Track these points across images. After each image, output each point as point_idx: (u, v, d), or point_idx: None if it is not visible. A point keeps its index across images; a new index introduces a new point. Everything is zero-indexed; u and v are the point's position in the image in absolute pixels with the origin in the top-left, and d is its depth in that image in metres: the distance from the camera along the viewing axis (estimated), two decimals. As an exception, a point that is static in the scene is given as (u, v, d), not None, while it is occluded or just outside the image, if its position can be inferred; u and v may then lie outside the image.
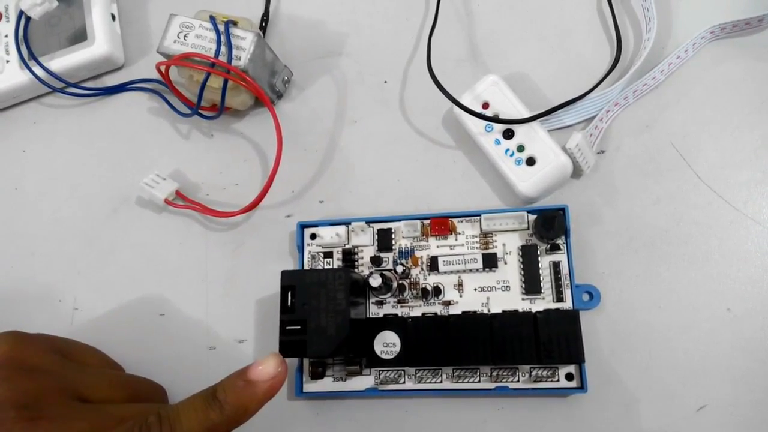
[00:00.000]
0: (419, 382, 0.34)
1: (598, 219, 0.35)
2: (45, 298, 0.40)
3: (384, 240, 0.36)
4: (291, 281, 0.32)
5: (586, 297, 0.34)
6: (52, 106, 0.45)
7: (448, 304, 0.35)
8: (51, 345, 0.33)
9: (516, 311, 0.34)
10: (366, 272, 0.36)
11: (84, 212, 0.42)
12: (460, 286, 0.35)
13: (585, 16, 0.39)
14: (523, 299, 0.34)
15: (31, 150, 0.44)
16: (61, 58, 0.43)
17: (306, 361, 0.35)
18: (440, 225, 0.35)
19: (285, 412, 0.35)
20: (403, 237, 0.36)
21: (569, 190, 0.36)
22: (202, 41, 0.37)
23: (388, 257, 0.36)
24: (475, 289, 0.35)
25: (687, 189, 0.35)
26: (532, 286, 0.34)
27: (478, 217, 0.35)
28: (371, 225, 0.37)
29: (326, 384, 0.35)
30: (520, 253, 0.34)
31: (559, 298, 0.34)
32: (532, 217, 0.34)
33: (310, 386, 0.35)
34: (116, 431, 0.29)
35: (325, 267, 0.37)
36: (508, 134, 0.36)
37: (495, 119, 0.35)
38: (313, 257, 0.37)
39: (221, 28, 0.37)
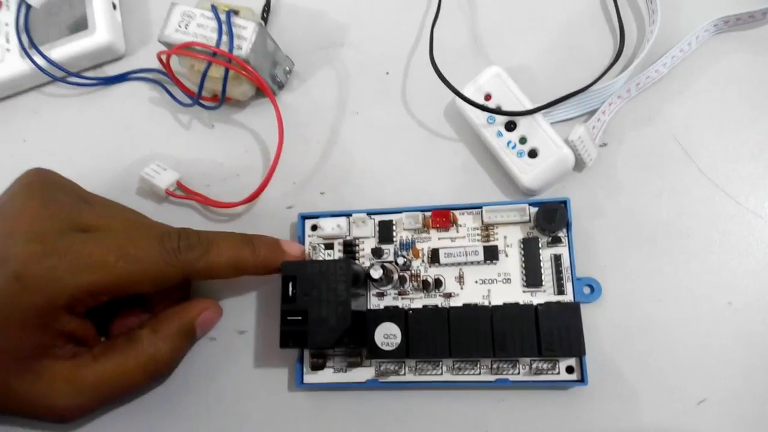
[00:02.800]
0: (420, 374, 0.34)
1: (599, 212, 0.35)
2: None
3: (385, 232, 0.36)
4: (292, 272, 0.32)
5: (587, 290, 0.34)
6: (52, 95, 0.45)
7: (448, 296, 0.35)
8: (74, 190, 0.36)
9: (517, 304, 0.34)
10: (367, 264, 0.36)
11: (84, 202, 0.42)
12: (461, 279, 0.35)
13: (588, 8, 0.39)
14: (524, 292, 0.34)
15: (31, 139, 0.44)
16: (62, 47, 0.42)
17: (306, 352, 0.35)
18: (441, 217, 0.35)
19: (285, 403, 0.36)
20: (404, 229, 0.36)
21: (571, 182, 0.36)
22: (204, 30, 0.37)
23: (389, 249, 0.36)
24: (476, 282, 0.35)
25: (689, 182, 0.35)
26: (533, 279, 0.34)
27: (480, 210, 0.35)
28: (372, 216, 0.37)
29: (327, 375, 0.35)
30: (522, 246, 0.34)
31: (560, 290, 0.34)
32: (534, 209, 0.34)
33: (311, 377, 0.35)
34: (154, 237, 0.32)
35: (326, 258, 0.37)
36: (511, 126, 0.36)
37: (497, 111, 0.35)
38: (314, 248, 0.37)
39: (223, 17, 0.37)
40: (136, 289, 0.32)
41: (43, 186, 0.34)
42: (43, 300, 0.30)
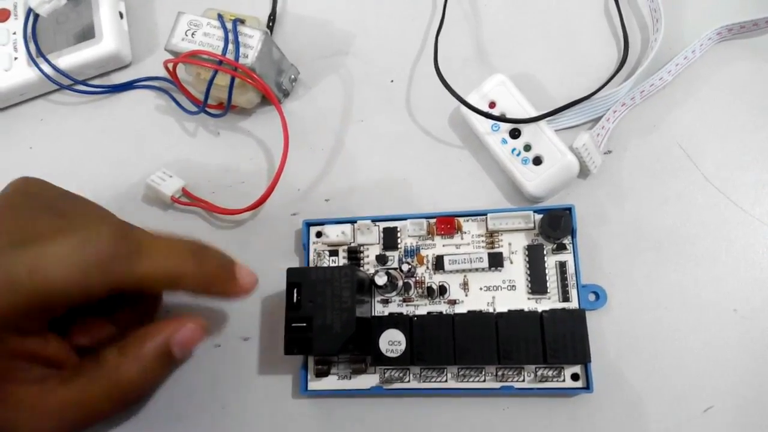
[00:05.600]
0: (424, 381, 0.33)
1: (604, 219, 0.35)
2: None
3: (389, 238, 0.36)
4: (297, 278, 0.33)
5: (592, 297, 0.34)
6: (59, 103, 0.45)
7: (453, 303, 0.35)
8: (47, 202, 0.32)
9: (522, 311, 0.33)
10: (371, 270, 0.36)
11: (90, 209, 0.42)
12: (465, 285, 0.35)
13: (592, 16, 0.39)
14: (528, 299, 0.34)
15: (38, 147, 0.44)
16: (69, 56, 0.43)
17: (311, 359, 0.35)
18: (446, 224, 0.35)
19: (289, 410, 0.35)
20: (409, 236, 0.36)
21: (576, 189, 0.36)
22: (210, 39, 0.38)
23: (393, 256, 0.36)
24: (481, 289, 0.35)
25: (694, 190, 0.35)
26: (538, 286, 0.34)
27: (484, 217, 0.35)
28: (377, 223, 0.37)
29: (331, 382, 0.35)
30: (526, 253, 0.34)
31: (565, 297, 0.33)
32: (539, 216, 0.34)
33: (315, 384, 0.35)
34: (78, 244, 0.28)
35: (331, 265, 0.36)
36: (515, 134, 0.36)
37: (502, 118, 0.35)
38: (318, 255, 0.37)
39: (229, 26, 0.37)
40: (56, 307, 0.28)
41: (13, 198, 0.31)
42: None
